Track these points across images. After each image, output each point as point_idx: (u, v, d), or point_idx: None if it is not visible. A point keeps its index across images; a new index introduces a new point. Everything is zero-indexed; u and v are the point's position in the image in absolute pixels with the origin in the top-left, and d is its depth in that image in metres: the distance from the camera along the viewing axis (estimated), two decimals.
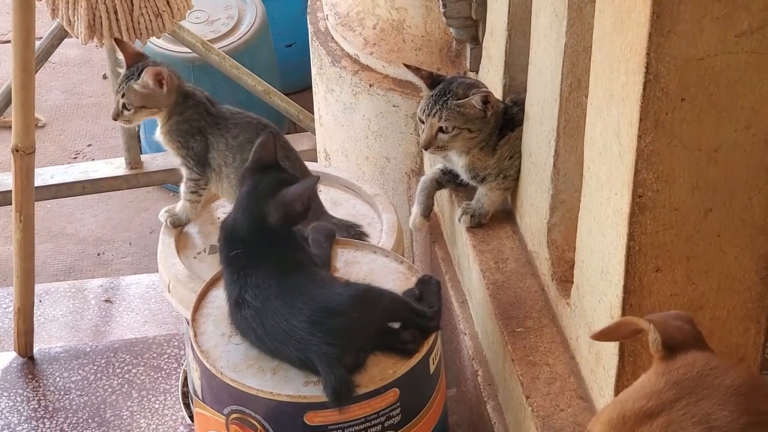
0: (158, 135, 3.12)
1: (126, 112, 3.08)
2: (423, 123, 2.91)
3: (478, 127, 2.89)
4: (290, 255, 2.62)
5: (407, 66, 3.01)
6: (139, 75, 3.03)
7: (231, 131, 3.04)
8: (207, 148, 3.05)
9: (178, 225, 3.17)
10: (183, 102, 3.08)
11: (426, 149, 2.93)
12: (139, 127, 4.79)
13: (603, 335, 1.92)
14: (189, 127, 3.06)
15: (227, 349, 2.58)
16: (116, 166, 4.82)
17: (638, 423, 1.52)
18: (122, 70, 3.13)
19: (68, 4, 3.31)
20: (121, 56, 3.27)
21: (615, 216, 2.23)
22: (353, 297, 2.51)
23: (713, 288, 2.26)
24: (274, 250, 2.61)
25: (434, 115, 2.88)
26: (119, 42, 3.18)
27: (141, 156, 4.81)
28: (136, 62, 3.08)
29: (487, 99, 2.87)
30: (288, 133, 5.31)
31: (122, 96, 3.07)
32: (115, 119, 3.13)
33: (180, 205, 3.15)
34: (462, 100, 2.86)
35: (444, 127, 2.88)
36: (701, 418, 1.51)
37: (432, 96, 2.90)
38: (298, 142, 4.85)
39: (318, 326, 2.45)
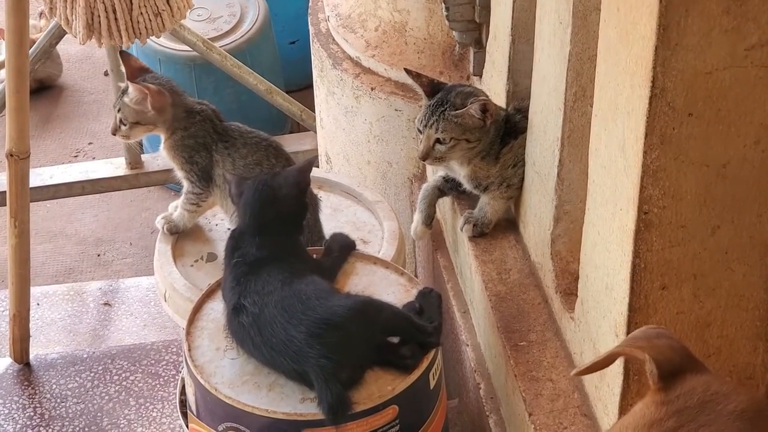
0: (162, 149, 3.05)
1: (123, 128, 3.01)
2: (421, 133, 2.84)
3: (477, 137, 2.82)
4: (293, 262, 2.57)
5: (408, 71, 2.94)
6: None
7: (239, 151, 2.98)
8: (211, 163, 2.99)
9: (175, 232, 3.11)
10: (187, 117, 3.00)
11: (424, 160, 2.87)
12: None
13: (590, 370, 1.87)
14: (195, 143, 2.99)
15: (222, 364, 2.52)
16: (116, 166, 4.77)
17: None
18: (122, 84, 3.06)
19: (66, 3, 3.25)
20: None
21: (620, 232, 2.17)
22: (352, 309, 2.45)
23: (721, 306, 2.20)
24: (278, 253, 2.56)
25: (431, 126, 2.81)
26: (123, 54, 3.11)
27: (142, 156, 4.76)
28: (139, 76, 3.01)
29: (485, 107, 2.80)
30: (291, 132, 5.26)
31: (118, 111, 3.00)
32: (114, 134, 3.06)
33: (177, 213, 3.09)
34: (459, 111, 2.79)
35: (441, 138, 2.81)
36: None
37: (429, 106, 2.83)
38: (300, 142, 4.81)
39: (316, 338, 2.40)
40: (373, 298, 2.57)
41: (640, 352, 1.60)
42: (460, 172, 2.91)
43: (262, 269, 2.55)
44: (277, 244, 2.60)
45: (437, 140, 2.81)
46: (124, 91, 2.99)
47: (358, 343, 2.44)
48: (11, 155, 3.32)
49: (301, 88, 5.29)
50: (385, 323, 2.50)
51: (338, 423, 2.38)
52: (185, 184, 3.04)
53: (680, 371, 1.59)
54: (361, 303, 2.50)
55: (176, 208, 3.12)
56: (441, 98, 2.83)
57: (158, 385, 3.64)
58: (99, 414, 3.54)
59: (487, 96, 2.88)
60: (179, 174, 3.05)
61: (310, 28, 3.76)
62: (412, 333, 2.51)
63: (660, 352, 1.59)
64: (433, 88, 2.87)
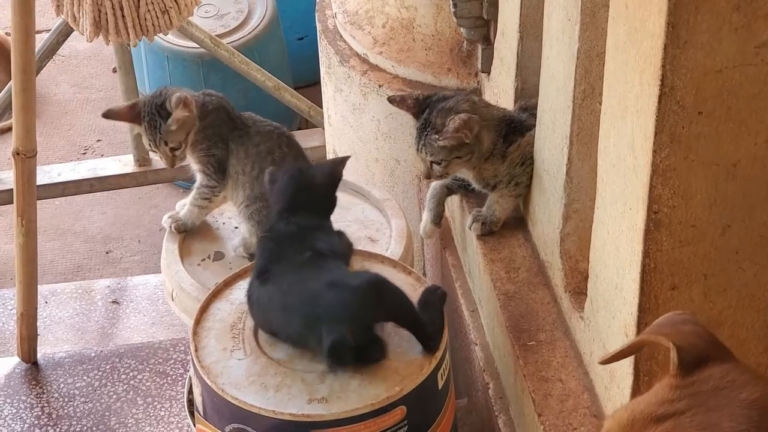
0: None
1: (177, 152, 2.97)
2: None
3: (467, 151, 2.79)
4: (319, 246, 2.59)
5: (390, 100, 2.93)
6: (161, 117, 2.91)
7: (252, 139, 2.96)
8: (227, 154, 2.97)
9: (182, 231, 3.09)
10: (202, 107, 2.98)
11: (428, 179, 2.88)
12: None
13: (615, 358, 1.86)
14: (212, 133, 2.97)
15: (229, 365, 2.51)
16: (124, 164, 4.76)
17: (645, 426, 1.51)
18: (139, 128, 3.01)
19: (73, 1, 3.24)
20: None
21: (629, 231, 2.15)
22: (371, 282, 2.47)
23: (732, 306, 2.17)
24: (307, 232, 2.59)
25: (421, 150, 2.81)
26: (110, 114, 3.03)
27: (150, 153, 4.74)
28: (132, 114, 2.97)
29: (455, 131, 2.74)
30: (299, 129, 5.24)
31: (165, 144, 2.94)
32: (173, 166, 3.02)
33: (186, 211, 3.07)
34: (435, 137, 2.77)
35: (433, 161, 2.80)
36: (705, 426, 1.48)
37: (417, 128, 2.83)
38: (308, 139, 4.78)
39: (331, 290, 2.43)
40: (391, 281, 2.55)
41: (665, 339, 1.58)
42: (469, 174, 2.90)
43: (291, 243, 2.58)
44: (307, 226, 2.62)
45: (432, 162, 2.81)
46: (155, 126, 2.92)
47: (367, 314, 2.45)
48: (18, 154, 3.31)
49: (310, 84, 5.27)
50: (396, 304, 2.49)
51: (336, 364, 2.41)
52: (199, 178, 3.01)
53: (705, 358, 1.58)
54: (380, 280, 2.49)
55: (183, 207, 3.10)
56: (425, 119, 2.81)
57: (166, 384, 3.62)
58: (107, 413, 3.53)
59: (471, 102, 2.83)
60: (194, 167, 3.02)
61: (318, 24, 3.74)
62: (415, 326, 2.49)
63: (684, 338, 1.58)
64: (419, 107, 2.84)
